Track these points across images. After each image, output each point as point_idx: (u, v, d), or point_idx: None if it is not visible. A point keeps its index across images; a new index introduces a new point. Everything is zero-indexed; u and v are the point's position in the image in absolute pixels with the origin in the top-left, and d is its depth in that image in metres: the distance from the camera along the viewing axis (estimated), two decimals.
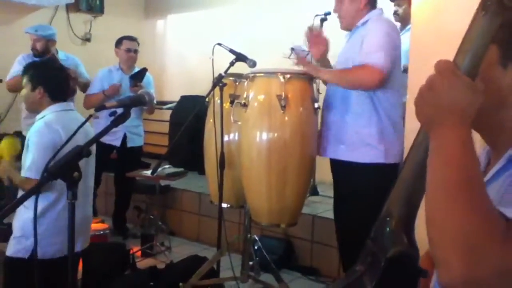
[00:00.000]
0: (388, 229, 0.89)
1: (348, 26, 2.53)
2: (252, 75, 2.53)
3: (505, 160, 0.83)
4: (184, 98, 5.23)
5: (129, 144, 4.01)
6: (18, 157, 2.39)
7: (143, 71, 3.91)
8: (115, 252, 3.01)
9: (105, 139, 3.98)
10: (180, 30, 5.93)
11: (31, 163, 2.19)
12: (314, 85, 2.61)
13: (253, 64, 2.59)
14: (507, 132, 0.85)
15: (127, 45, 3.98)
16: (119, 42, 4.04)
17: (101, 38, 5.44)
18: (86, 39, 5.49)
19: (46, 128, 2.26)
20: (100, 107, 1.50)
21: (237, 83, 2.72)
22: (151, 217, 3.75)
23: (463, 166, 0.72)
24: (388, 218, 0.89)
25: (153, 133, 5.22)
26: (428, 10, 2.34)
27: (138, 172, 3.63)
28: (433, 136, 0.76)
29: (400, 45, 2.45)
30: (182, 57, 5.81)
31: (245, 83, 2.59)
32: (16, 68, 3.80)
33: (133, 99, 1.56)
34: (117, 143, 3.96)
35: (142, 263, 3.19)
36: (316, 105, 2.49)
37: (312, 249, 3.34)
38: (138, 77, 3.86)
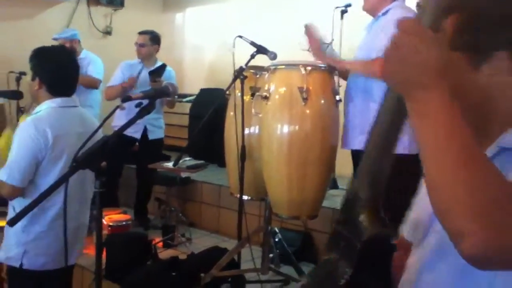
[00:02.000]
0: (358, 211, 0.87)
1: (371, 9, 2.52)
2: (273, 67, 2.53)
3: (494, 149, 0.82)
4: (203, 91, 5.25)
5: (150, 137, 4.06)
6: None
7: (162, 67, 3.95)
8: (137, 242, 3.06)
9: (126, 132, 4.02)
10: (199, 23, 5.94)
11: (6, 166, 2.01)
12: (335, 77, 2.60)
13: (274, 56, 2.59)
14: (493, 123, 0.85)
15: (137, 40, 4.05)
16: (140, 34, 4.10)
17: (121, 31, 5.50)
18: (107, 32, 5.55)
19: (27, 129, 2.05)
20: (126, 98, 1.51)
21: (257, 76, 2.72)
22: (172, 208, 3.79)
23: (458, 128, 0.70)
24: (356, 200, 0.88)
25: (173, 126, 5.26)
26: None
27: (160, 164, 3.66)
28: (412, 99, 0.72)
29: None
30: (201, 50, 5.83)
31: (266, 76, 2.60)
32: (117, 75, 4.02)
33: (158, 90, 1.57)
34: (138, 135, 4.02)
35: (164, 254, 3.23)
36: (337, 97, 2.48)
37: None
38: (157, 73, 3.90)
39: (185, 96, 5.46)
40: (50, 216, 2.08)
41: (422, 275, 0.88)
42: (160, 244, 3.43)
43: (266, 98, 2.48)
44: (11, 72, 3.92)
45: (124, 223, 3.41)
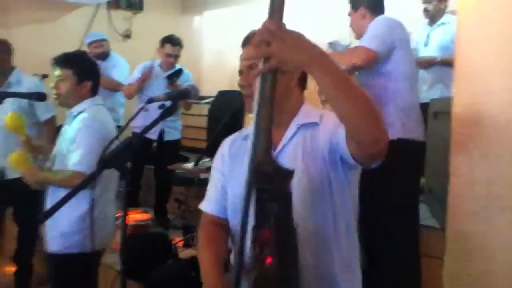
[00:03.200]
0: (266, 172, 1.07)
1: (360, 37, 2.78)
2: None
3: (295, 128, 1.40)
4: (221, 93, 5.30)
5: (166, 138, 4.13)
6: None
7: (179, 72, 4.02)
8: (158, 241, 3.10)
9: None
10: (217, 25, 6.00)
11: (81, 157, 2.19)
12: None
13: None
14: (287, 110, 1.41)
15: (168, 50, 4.11)
16: (162, 43, 4.15)
17: (140, 35, 5.59)
18: (126, 36, 5.64)
19: (96, 122, 2.28)
20: (149, 100, 1.55)
21: (305, 89, 2.75)
22: (191, 209, 3.84)
23: (346, 74, 1.14)
24: (258, 165, 1.07)
25: (191, 127, 5.31)
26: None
27: (179, 165, 3.72)
28: (319, 70, 1.06)
29: (404, 38, 2.69)
30: (219, 53, 5.88)
31: None
32: (134, 75, 4.14)
33: (180, 92, 1.60)
34: (154, 136, 4.09)
35: (184, 254, 3.27)
36: None
37: None
38: (173, 77, 3.96)
39: (203, 98, 5.52)
40: (103, 203, 2.32)
41: None
42: (180, 243, 3.48)
43: None
44: (34, 74, 4.00)
45: (145, 222, 3.47)
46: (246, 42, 1.46)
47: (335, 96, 1.09)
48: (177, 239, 3.45)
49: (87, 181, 1.37)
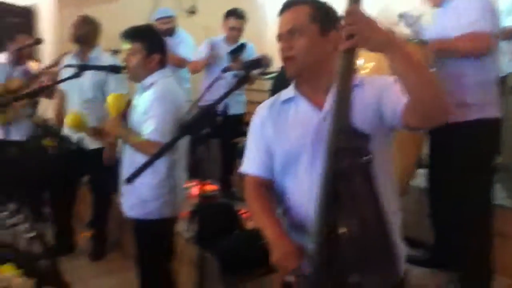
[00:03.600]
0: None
1: (436, 3, 2.64)
2: None
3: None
4: (284, 68, 5.26)
5: (231, 111, 4.17)
6: (123, 116, 2.46)
7: (241, 47, 4.02)
8: (225, 212, 3.19)
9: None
10: None
11: (155, 127, 2.27)
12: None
13: None
14: (326, 73, 1.51)
15: (232, 24, 4.13)
16: (226, 17, 4.17)
17: (205, 10, 5.63)
18: (192, 12, 5.70)
19: (168, 93, 2.35)
20: (226, 69, 1.58)
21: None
22: None
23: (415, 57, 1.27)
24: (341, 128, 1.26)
25: (254, 103, 5.33)
26: None
27: (243, 138, 3.76)
28: (392, 51, 1.23)
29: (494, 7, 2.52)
30: None
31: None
32: (203, 50, 4.22)
33: (254, 61, 1.60)
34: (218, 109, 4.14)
35: (249, 224, 3.34)
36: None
37: (418, 222, 3.27)
38: (236, 52, 3.97)
39: (266, 73, 5.51)
40: (178, 170, 2.42)
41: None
42: (245, 215, 3.55)
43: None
44: (106, 51, 4.15)
45: (211, 193, 3.57)
46: (284, 9, 1.54)
47: (404, 73, 1.25)
48: (243, 211, 3.52)
49: (167, 147, 1.43)
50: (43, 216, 3.92)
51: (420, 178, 3.44)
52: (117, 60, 3.63)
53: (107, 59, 3.50)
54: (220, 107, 4.25)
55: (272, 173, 1.60)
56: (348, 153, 1.22)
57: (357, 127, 1.29)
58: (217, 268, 2.87)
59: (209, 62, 4.15)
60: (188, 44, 4.55)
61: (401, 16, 2.93)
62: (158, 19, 4.49)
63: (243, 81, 1.52)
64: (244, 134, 4.24)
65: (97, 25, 3.64)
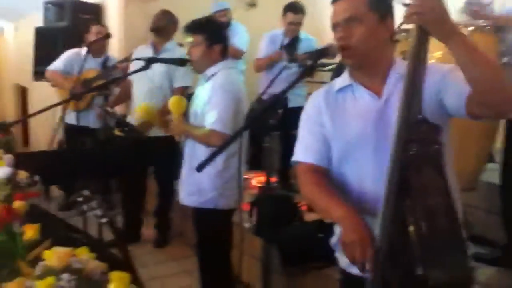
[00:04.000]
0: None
1: None
2: None
3: (395, 77, 1.49)
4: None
5: (290, 105, 4.15)
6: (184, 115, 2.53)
7: (295, 41, 3.98)
8: (284, 203, 3.20)
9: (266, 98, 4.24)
10: None
11: (218, 117, 2.32)
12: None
13: None
14: (383, 61, 1.53)
15: (290, 18, 4.10)
16: (284, 11, 4.15)
17: (265, 3, 5.63)
18: (252, 4, 5.72)
19: (229, 84, 2.39)
20: (292, 60, 1.58)
21: (410, 40, 2.61)
22: None
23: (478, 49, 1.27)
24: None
25: None
26: None
27: None
28: (456, 41, 1.24)
29: None
30: None
31: None
32: (264, 47, 4.23)
33: (320, 50, 1.58)
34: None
35: (308, 217, 3.34)
36: (504, 59, 2.28)
37: (487, 219, 3.12)
38: (291, 46, 3.94)
39: (325, 65, 5.44)
40: (235, 161, 2.42)
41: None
42: (304, 207, 3.55)
43: None
44: None
45: (271, 185, 3.59)
46: None
47: (468, 65, 1.25)
48: (302, 202, 3.52)
49: (234, 137, 1.45)
50: (111, 204, 4.12)
51: (490, 173, 3.28)
52: None
53: (179, 52, 3.61)
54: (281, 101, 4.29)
55: (328, 162, 1.56)
56: (418, 143, 1.20)
57: (426, 116, 1.27)
58: (278, 259, 2.90)
59: (274, 60, 4.15)
60: (243, 35, 4.58)
61: (469, 2, 2.79)
62: (215, 12, 4.55)
63: (309, 71, 1.51)
64: (269, 127, 4.24)
65: (175, 20, 3.82)
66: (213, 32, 2.45)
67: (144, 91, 3.61)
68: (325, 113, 1.57)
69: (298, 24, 4.11)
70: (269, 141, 1.53)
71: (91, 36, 4.17)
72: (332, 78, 5.11)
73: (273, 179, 3.76)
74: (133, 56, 3.67)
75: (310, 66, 1.49)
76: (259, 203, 3.12)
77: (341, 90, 1.58)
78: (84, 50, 4.11)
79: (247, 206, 3.26)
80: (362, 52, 1.47)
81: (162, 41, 3.73)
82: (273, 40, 4.22)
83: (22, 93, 8.38)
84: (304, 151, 1.59)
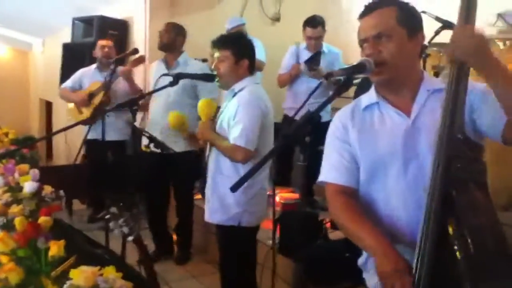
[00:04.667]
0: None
1: None
2: None
3: (425, 94, 1.48)
4: (366, 78, 5.11)
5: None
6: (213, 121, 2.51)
7: (317, 55, 3.94)
8: (309, 220, 3.14)
9: (292, 113, 4.19)
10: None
11: (242, 132, 2.30)
12: None
13: None
14: (412, 77, 1.50)
15: (309, 33, 4.07)
16: (304, 26, 4.13)
17: (289, 17, 5.63)
18: (276, 19, 5.73)
19: (255, 99, 2.37)
20: (328, 75, 1.54)
21: (441, 54, 2.56)
22: None
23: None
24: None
25: (338, 109, 5.23)
26: None
27: None
28: (491, 74, 1.24)
29: None
30: None
31: None
32: (286, 61, 4.21)
33: (356, 66, 1.52)
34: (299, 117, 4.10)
35: (332, 235, 3.26)
36: None
37: None
38: (312, 62, 3.91)
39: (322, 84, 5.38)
40: (262, 178, 2.42)
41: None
42: (329, 224, 3.47)
43: None
44: (195, 59, 4.28)
45: (294, 201, 3.54)
46: (366, 13, 1.48)
47: (502, 92, 1.23)
48: (327, 220, 3.45)
49: (271, 154, 1.42)
50: (137, 220, 4.10)
51: None
52: (206, 66, 3.73)
53: (194, 65, 3.59)
54: (299, 113, 4.26)
55: (357, 182, 1.52)
56: (461, 160, 1.15)
57: (469, 136, 1.24)
58: (301, 278, 2.82)
59: (293, 74, 4.13)
60: (260, 48, 4.55)
61: (501, 15, 2.72)
62: (231, 29, 4.53)
63: (345, 86, 1.46)
64: (305, 144, 4.19)
65: (182, 32, 3.75)
66: (240, 47, 2.44)
67: (161, 106, 3.60)
68: (351, 131, 1.53)
69: (318, 38, 4.08)
70: (303, 159, 1.48)
71: (98, 51, 4.35)
72: (356, 94, 5.07)
73: (296, 195, 3.70)
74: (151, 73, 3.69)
75: (346, 81, 1.43)
76: (282, 220, 3.06)
77: (367, 107, 1.55)
78: (95, 65, 4.38)
79: (270, 223, 3.20)
80: (394, 69, 1.44)
81: (173, 56, 3.69)
82: (294, 55, 4.20)
83: (48, 107, 8.55)
84: (332, 171, 1.55)
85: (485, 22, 2.66)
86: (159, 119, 3.52)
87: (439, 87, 1.45)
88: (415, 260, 1.23)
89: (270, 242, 3.11)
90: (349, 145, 1.53)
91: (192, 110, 3.41)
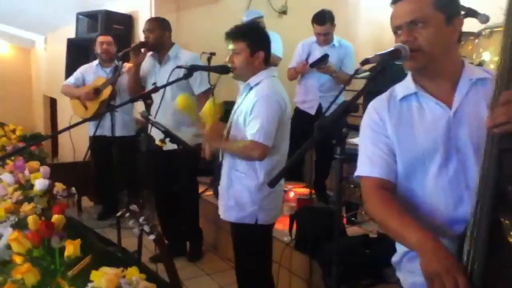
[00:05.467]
0: None
1: None
2: (489, 30, 2.26)
3: (467, 84, 1.38)
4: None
5: (328, 113, 4.04)
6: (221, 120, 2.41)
7: (324, 58, 3.85)
8: (325, 216, 3.06)
9: (302, 107, 4.12)
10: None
11: (260, 128, 2.21)
12: None
13: (486, 19, 2.32)
14: (451, 65, 1.40)
15: (316, 30, 3.99)
16: (312, 22, 4.04)
17: (296, 11, 5.54)
18: (283, 12, 5.64)
19: (273, 94, 2.27)
20: (364, 61, 1.44)
21: (462, 43, 2.47)
22: (351, 186, 3.73)
23: None
24: None
25: None
26: None
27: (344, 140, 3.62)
28: None
29: None
30: (377, 26, 5.59)
31: (475, 42, 2.34)
32: (297, 56, 4.13)
33: (391, 52, 1.42)
34: (312, 111, 4.04)
35: (349, 230, 3.19)
36: None
37: None
38: (318, 64, 3.83)
39: (358, 72, 5.29)
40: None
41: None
42: (344, 220, 3.41)
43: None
44: (203, 52, 4.21)
45: (307, 197, 3.47)
46: None
47: None
48: (343, 215, 3.38)
49: (306, 148, 1.33)
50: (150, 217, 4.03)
51: None
52: (199, 58, 3.67)
53: (187, 57, 3.49)
54: (313, 109, 4.16)
55: (395, 175, 1.43)
56: None
57: None
58: (320, 275, 2.76)
59: (298, 72, 4.06)
60: (277, 42, 4.46)
61: None
62: (248, 21, 4.47)
63: (380, 73, 1.36)
64: (342, 136, 4.11)
65: (167, 25, 3.57)
66: (256, 39, 2.33)
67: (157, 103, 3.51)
68: (389, 124, 1.45)
69: (326, 34, 3.99)
70: (341, 152, 1.40)
71: (97, 47, 4.31)
72: (365, 87, 4.99)
73: (310, 190, 3.63)
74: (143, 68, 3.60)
75: (381, 70, 1.34)
76: (299, 216, 2.99)
77: (404, 98, 1.46)
78: (96, 61, 4.37)
79: (286, 219, 3.14)
80: (431, 56, 1.35)
81: (164, 50, 3.54)
82: (305, 49, 4.13)
83: (52, 104, 8.49)
84: (369, 165, 1.45)
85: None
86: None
87: (483, 76, 1.38)
88: (465, 254, 1.15)
89: (286, 238, 3.05)
90: (386, 137, 1.45)
91: None
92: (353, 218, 3.42)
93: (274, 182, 1.29)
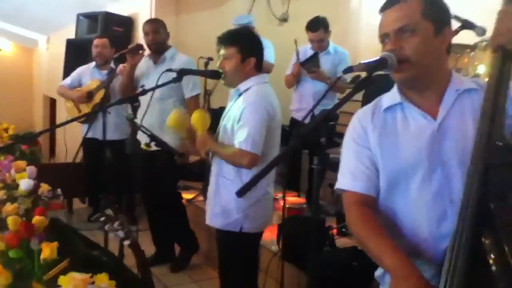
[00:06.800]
0: None
1: None
2: (485, 43, 2.24)
3: (454, 95, 1.35)
4: (377, 76, 5.00)
5: None
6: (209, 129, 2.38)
7: (313, 57, 3.83)
8: (315, 226, 3.02)
9: (296, 116, 4.10)
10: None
11: (247, 136, 2.17)
12: None
13: (482, 32, 2.30)
14: (439, 77, 1.37)
15: (310, 36, 3.99)
16: (306, 29, 4.03)
17: (297, 18, 5.53)
18: (283, 19, 5.64)
19: (261, 100, 2.24)
20: (347, 69, 1.42)
21: (458, 55, 2.45)
22: None
23: None
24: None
25: (346, 113, 5.12)
26: None
27: (336, 149, 3.59)
28: None
29: None
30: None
31: (471, 54, 2.32)
32: (293, 62, 4.13)
33: (377, 61, 1.39)
34: (307, 120, 4.00)
35: (339, 242, 3.15)
36: None
37: None
38: (310, 63, 3.81)
39: (358, 77, 5.29)
40: (266, 182, 2.28)
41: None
42: (334, 231, 3.36)
43: None
44: (201, 57, 4.19)
45: (299, 206, 3.43)
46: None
47: None
48: (333, 226, 3.34)
49: (283, 156, 1.31)
50: (135, 221, 4.00)
51: None
52: (193, 62, 3.66)
53: (181, 60, 3.48)
54: (308, 117, 4.14)
55: (377, 190, 1.39)
56: (502, 171, 1.03)
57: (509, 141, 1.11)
58: (306, 286, 2.72)
59: (295, 75, 4.05)
60: (269, 48, 4.45)
61: None
62: (235, 25, 4.41)
63: (364, 83, 1.33)
64: (336, 144, 4.09)
65: (165, 26, 3.61)
66: (247, 44, 2.30)
67: (147, 101, 3.48)
68: (371, 135, 1.41)
69: (320, 41, 3.97)
70: (318, 162, 1.37)
71: (93, 50, 4.31)
72: (363, 96, 4.96)
73: (302, 200, 3.60)
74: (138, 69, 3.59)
75: (366, 79, 1.31)
76: (287, 225, 2.96)
77: (389, 108, 1.42)
78: (93, 63, 4.36)
79: (274, 228, 3.10)
80: (419, 66, 1.31)
81: (160, 54, 3.54)
82: (302, 55, 4.11)
83: (52, 104, 8.48)
84: (350, 178, 1.41)
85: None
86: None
87: (470, 87, 1.35)
88: (444, 274, 1.12)
89: (274, 247, 3.01)
90: (369, 150, 1.41)
91: (176, 105, 3.37)
92: (343, 229, 3.38)
93: (243, 191, 1.26)
